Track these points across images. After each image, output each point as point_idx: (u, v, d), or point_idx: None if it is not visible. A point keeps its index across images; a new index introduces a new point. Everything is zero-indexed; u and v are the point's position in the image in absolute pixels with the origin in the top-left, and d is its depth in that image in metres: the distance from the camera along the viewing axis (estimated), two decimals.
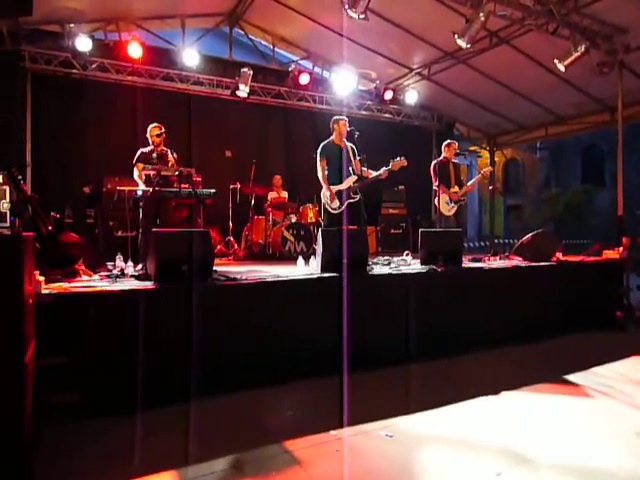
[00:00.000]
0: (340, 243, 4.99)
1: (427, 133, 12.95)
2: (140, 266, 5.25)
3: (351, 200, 6.58)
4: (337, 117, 6.80)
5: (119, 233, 8.09)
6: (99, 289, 3.94)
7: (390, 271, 5.42)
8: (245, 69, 9.60)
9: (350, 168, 6.66)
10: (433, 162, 7.91)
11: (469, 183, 8.08)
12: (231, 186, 9.35)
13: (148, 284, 4.22)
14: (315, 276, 4.96)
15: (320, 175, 6.66)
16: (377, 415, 3.65)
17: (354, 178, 6.59)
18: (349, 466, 2.95)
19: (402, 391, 4.34)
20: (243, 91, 9.85)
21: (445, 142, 8.06)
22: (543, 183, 29.45)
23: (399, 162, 6.59)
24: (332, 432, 3.38)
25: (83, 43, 8.32)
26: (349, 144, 6.69)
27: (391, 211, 11.48)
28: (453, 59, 9.70)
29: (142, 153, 6.46)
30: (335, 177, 6.62)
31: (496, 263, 6.67)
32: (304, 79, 10.16)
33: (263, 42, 11.07)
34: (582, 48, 7.44)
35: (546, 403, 4.02)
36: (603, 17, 7.39)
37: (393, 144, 10.02)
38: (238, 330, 4.26)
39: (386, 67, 10.68)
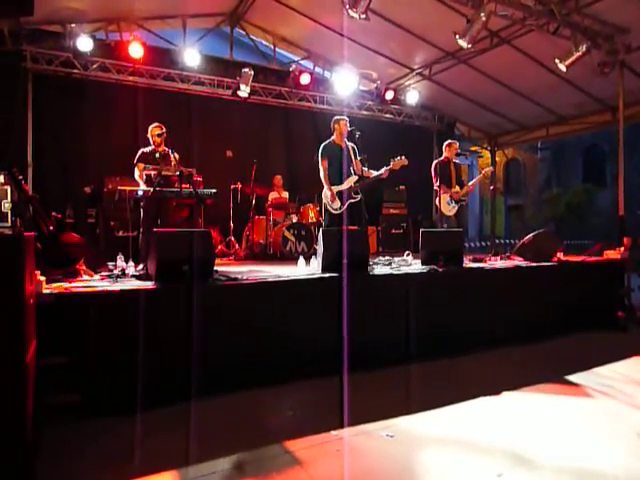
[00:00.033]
0: (341, 243, 4.99)
1: (428, 133, 12.96)
2: (141, 266, 5.25)
3: (352, 200, 6.57)
4: (338, 117, 6.79)
5: (120, 233, 8.10)
6: (100, 289, 3.94)
7: (391, 271, 5.41)
8: (246, 69, 9.61)
9: (351, 168, 6.65)
10: (434, 162, 7.91)
11: (470, 183, 8.08)
12: (232, 186, 9.35)
13: (149, 284, 4.22)
14: (316, 276, 4.95)
15: (322, 175, 6.66)
16: (378, 415, 3.64)
17: (355, 178, 6.59)
18: (350, 466, 2.95)
19: (403, 391, 4.34)
20: (244, 91, 9.85)
21: (446, 142, 8.06)
22: (544, 183, 29.44)
23: (400, 161, 6.58)
24: (333, 432, 3.38)
25: (84, 43, 8.33)
26: (350, 144, 6.69)
27: (392, 211, 11.49)
28: (454, 59, 9.70)
29: (143, 153, 6.46)
30: (336, 177, 6.62)
31: (497, 263, 6.67)
32: (305, 79, 10.17)
33: (264, 42, 11.07)
34: (583, 48, 7.44)
35: (547, 403, 4.01)
36: (604, 17, 7.39)
37: (394, 144, 10.02)
38: (239, 330, 4.26)
39: (387, 67, 10.68)
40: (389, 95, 11.05)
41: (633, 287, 7.36)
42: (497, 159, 15.03)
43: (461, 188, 7.81)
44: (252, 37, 10.68)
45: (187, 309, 3.97)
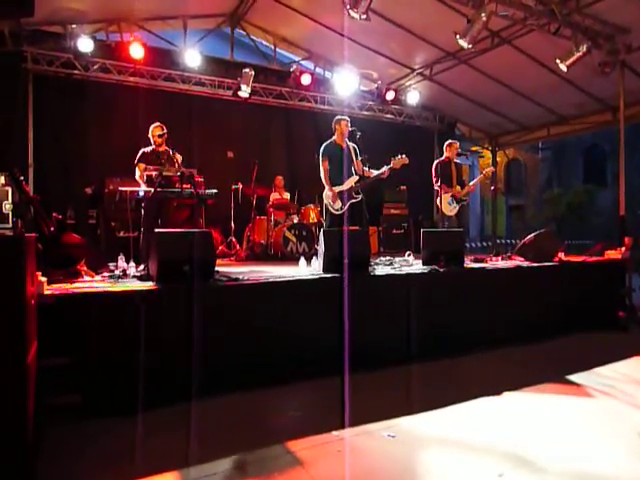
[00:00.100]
0: (342, 243, 4.99)
1: (429, 133, 12.95)
2: (142, 267, 5.26)
3: (353, 200, 6.57)
4: (339, 117, 6.79)
5: (121, 234, 8.10)
6: (101, 290, 3.95)
7: (392, 271, 5.42)
8: (247, 70, 9.61)
9: (352, 168, 6.65)
10: (435, 162, 7.91)
11: (471, 183, 8.09)
12: (233, 187, 9.35)
13: (150, 285, 4.22)
14: (317, 276, 4.96)
15: (323, 176, 6.66)
16: (379, 415, 3.64)
17: (356, 178, 6.58)
18: (351, 467, 2.95)
19: (404, 391, 4.34)
20: (245, 92, 9.85)
21: (447, 142, 8.06)
22: (545, 183, 29.42)
23: (400, 160, 6.57)
24: (334, 432, 3.38)
25: (85, 44, 8.33)
26: (351, 144, 6.68)
27: (393, 211, 11.49)
28: (455, 59, 9.70)
29: (144, 153, 6.47)
30: (337, 177, 6.62)
31: (498, 263, 6.67)
32: (306, 79, 10.16)
33: (264, 43, 11.07)
34: (584, 48, 7.44)
35: (548, 403, 4.01)
36: (605, 17, 7.38)
37: (395, 144, 9.96)
38: (239, 330, 4.27)
39: (388, 67, 10.67)
40: (390, 95, 11.04)
41: (634, 287, 7.35)
42: (498, 159, 15.01)
43: (462, 188, 7.81)
44: (253, 37, 10.68)
45: (188, 310, 3.97)
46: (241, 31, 10.48)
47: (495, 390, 4.23)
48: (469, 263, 6.34)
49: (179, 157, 6.36)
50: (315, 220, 9.11)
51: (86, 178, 8.85)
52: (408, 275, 5.36)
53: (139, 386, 3.58)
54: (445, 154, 7.91)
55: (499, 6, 7.18)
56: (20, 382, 2.57)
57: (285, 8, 9.22)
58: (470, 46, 7.52)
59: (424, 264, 5.81)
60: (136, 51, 8.68)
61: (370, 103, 11.73)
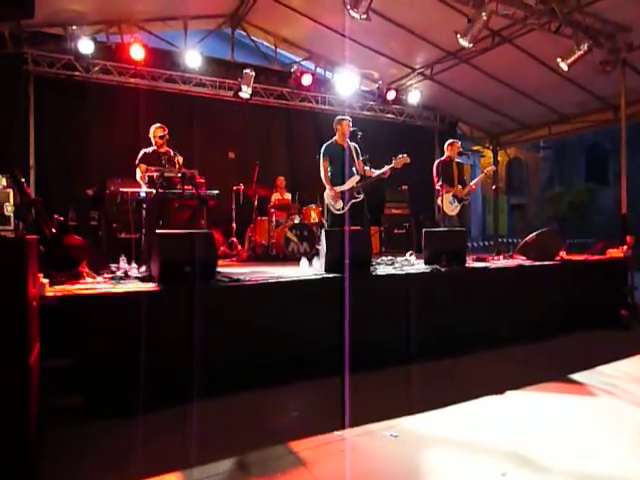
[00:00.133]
0: (343, 243, 4.99)
1: (430, 133, 12.94)
2: (144, 268, 5.26)
3: (354, 200, 6.57)
4: (340, 117, 6.79)
5: (122, 235, 8.10)
6: (103, 291, 3.95)
7: (394, 271, 5.41)
8: (247, 70, 9.62)
9: (353, 168, 6.65)
10: (436, 161, 7.91)
11: (472, 182, 8.07)
12: (234, 187, 9.36)
13: (152, 286, 4.22)
14: (319, 277, 4.96)
15: (323, 176, 6.66)
16: (381, 415, 3.64)
17: (357, 178, 6.58)
18: (354, 467, 2.95)
19: (406, 391, 4.33)
20: (245, 92, 9.86)
21: (448, 141, 8.05)
22: (547, 182, 29.42)
23: (402, 159, 6.57)
24: (336, 432, 3.38)
25: (85, 45, 8.33)
26: (352, 144, 6.68)
27: (394, 211, 11.48)
28: (455, 59, 9.68)
29: (145, 153, 6.48)
30: (338, 177, 6.62)
31: (500, 262, 6.67)
32: (306, 80, 10.16)
33: (265, 43, 11.07)
34: (585, 47, 7.43)
35: (551, 402, 4.01)
36: (605, 15, 7.37)
37: (396, 144, 9.97)
38: (241, 331, 4.27)
39: (388, 67, 10.67)
40: (391, 95, 11.02)
41: (636, 285, 7.34)
42: (499, 158, 14.98)
43: (463, 187, 7.80)
44: (253, 38, 10.67)
45: (190, 310, 3.97)
46: (242, 32, 10.47)
47: (497, 389, 4.23)
48: (471, 262, 6.34)
49: (180, 158, 6.37)
50: (316, 220, 9.11)
51: (87, 179, 8.87)
52: (410, 275, 5.35)
53: (141, 387, 3.58)
54: (446, 153, 7.90)
55: (500, 5, 7.17)
56: (23, 383, 2.58)
57: (285, 8, 9.22)
58: (471, 45, 7.52)
59: (426, 264, 5.81)
60: (137, 52, 8.69)
61: (371, 103, 11.73)
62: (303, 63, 11.03)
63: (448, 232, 6.66)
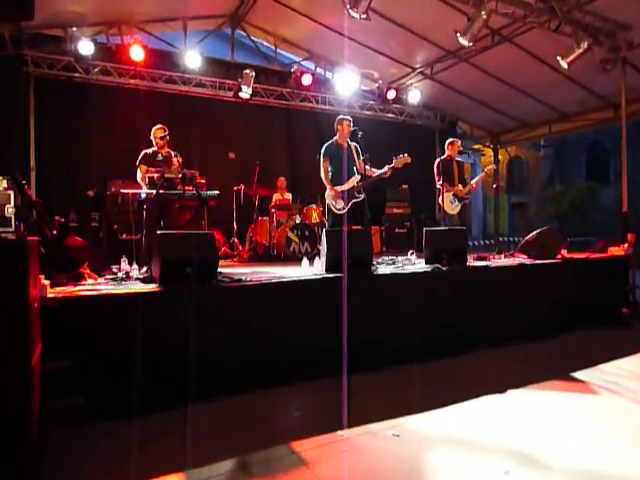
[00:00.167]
0: (344, 243, 4.99)
1: (430, 132, 12.93)
2: (145, 269, 5.26)
3: (355, 200, 6.58)
4: (341, 117, 6.78)
5: (123, 236, 8.11)
6: (104, 292, 3.96)
7: (395, 270, 5.42)
8: (247, 70, 9.62)
9: (354, 168, 6.65)
10: (436, 160, 7.89)
11: (473, 181, 8.06)
12: (235, 188, 9.35)
13: (153, 287, 4.22)
14: (320, 276, 4.96)
15: (323, 176, 6.66)
16: (383, 415, 3.65)
17: (358, 178, 6.58)
18: (356, 466, 2.95)
19: (408, 390, 4.32)
20: (246, 92, 9.86)
21: (448, 140, 8.04)
22: (547, 181, 29.41)
23: (402, 159, 6.56)
24: (339, 432, 3.38)
25: (85, 47, 8.33)
26: (352, 144, 6.68)
27: (395, 210, 11.48)
28: (455, 58, 9.68)
29: (145, 154, 6.48)
30: (339, 177, 6.62)
31: (501, 261, 6.66)
32: (306, 80, 10.16)
33: (265, 43, 11.06)
34: (585, 45, 7.42)
35: (552, 401, 4.01)
36: (605, 14, 7.36)
37: (396, 144, 9.97)
38: (243, 332, 4.27)
39: (388, 67, 10.67)
40: (391, 95, 11.01)
41: (637, 283, 7.34)
42: (500, 157, 14.99)
43: (464, 186, 7.80)
44: (253, 38, 10.67)
45: (191, 311, 3.97)
46: (241, 32, 10.47)
47: (499, 388, 4.23)
48: (472, 261, 6.33)
49: (179, 159, 6.36)
50: (317, 220, 9.11)
51: (88, 181, 8.88)
52: (411, 274, 5.36)
53: (142, 389, 3.58)
54: (446, 152, 7.89)
55: (499, 4, 7.16)
56: (24, 385, 2.58)
57: (285, 8, 9.22)
58: (471, 44, 7.52)
59: (427, 263, 5.81)
60: (136, 53, 8.69)
61: (371, 103, 11.73)
62: (303, 63, 11.03)
63: (449, 231, 6.65)
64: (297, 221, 8.92)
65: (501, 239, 17.50)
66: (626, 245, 7.36)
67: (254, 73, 9.69)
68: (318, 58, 10.99)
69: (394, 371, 4.68)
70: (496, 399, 4.06)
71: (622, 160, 8.34)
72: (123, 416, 3.52)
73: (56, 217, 4.90)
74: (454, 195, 7.69)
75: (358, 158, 6.64)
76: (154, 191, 5.95)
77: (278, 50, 10.94)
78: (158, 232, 4.61)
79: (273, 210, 9.17)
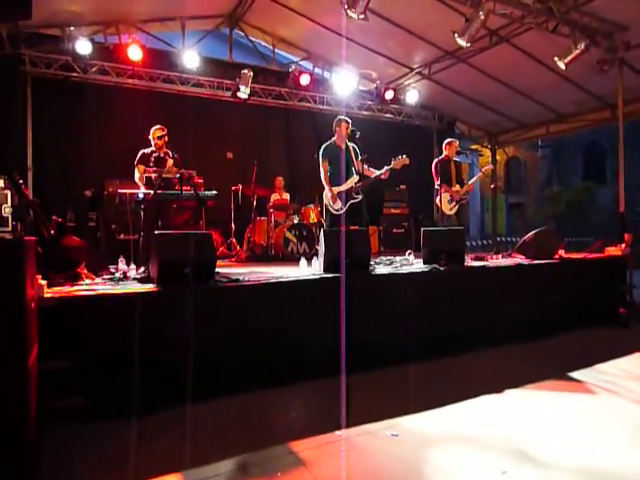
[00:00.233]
0: (342, 243, 4.99)
1: (428, 132, 12.95)
2: (142, 269, 5.26)
3: (353, 201, 6.57)
4: (340, 118, 6.76)
5: (121, 236, 8.10)
6: (101, 292, 3.95)
7: (393, 271, 5.42)
8: (245, 70, 9.61)
9: (352, 169, 6.65)
10: (434, 161, 7.90)
11: (470, 181, 8.06)
12: (233, 188, 9.34)
13: (150, 287, 4.22)
14: (318, 277, 4.96)
15: (323, 176, 6.65)
16: (382, 415, 3.64)
17: (356, 178, 6.58)
18: (354, 466, 2.95)
19: (406, 390, 4.33)
20: (244, 92, 9.85)
21: (446, 141, 8.05)
22: (545, 181, 29.46)
23: (401, 160, 6.55)
24: (337, 432, 3.38)
25: (83, 46, 8.32)
26: (351, 144, 6.68)
27: (393, 211, 11.49)
28: (453, 58, 9.69)
29: (143, 154, 6.47)
30: (337, 178, 6.62)
31: (499, 261, 6.67)
32: (305, 80, 10.16)
33: (263, 43, 11.05)
34: (582, 46, 7.44)
35: (550, 400, 4.01)
36: (602, 14, 7.38)
37: (394, 144, 9.99)
38: (240, 332, 4.27)
39: (386, 67, 10.67)
40: (389, 95, 11.02)
41: (635, 283, 7.37)
42: (497, 157, 15.00)
43: (461, 187, 7.80)
44: (251, 38, 10.67)
45: (189, 311, 3.97)
46: (240, 32, 10.46)
47: (497, 388, 4.23)
48: (469, 261, 6.34)
49: (177, 159, 6.36)
50: (315, 220, 9.11)
51: (85, 181, 8.86)
52: (409, 274, 5.36)
53: (140, 388, 3.57)
54: (444, 153, 7.90)
55: (497, 4, 7.17)
56: (21, 385, 2.57)
57: (283, 8, 9.21)
58: (468, 45, 7.52)
59: (425, 263, 5.82)
60: (134, 53, 8.68)
61: (369, 103, 11.73)
62: (301, 63, 11.05)
63: (447, 231, 6.65)
64: (295, 221, 8.92)
65: (499, 239, 17.54)
66: (623, 245, 7.37)
67: (252, 73, 9.68)
68: (316, 58, 10.99)
69: (392, 371, 4.68)
70: (494, 399, 4.06)
71: (619, 160, 8.37)
72: (121, 416, 3.52)
73: (53, 217, 4.88)
74: (452, 195, 7.69)
75: (356, 159, 6.63)
76: (152, 191, 5.94)
77: (276, 50, 10.93)
78: (156, 232, 4.61)
79: (271, 210, 9.17)
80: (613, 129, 9.96)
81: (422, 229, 6.15)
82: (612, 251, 7.43)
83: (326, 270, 5.10)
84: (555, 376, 4.57)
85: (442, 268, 5.58)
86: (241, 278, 4.62)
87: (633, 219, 8.98)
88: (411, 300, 5.08)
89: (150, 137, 6.57)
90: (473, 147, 14.43)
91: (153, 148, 6.53)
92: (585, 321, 6.37)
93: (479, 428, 3.47)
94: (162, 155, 6.45)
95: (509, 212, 30.55)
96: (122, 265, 5.31)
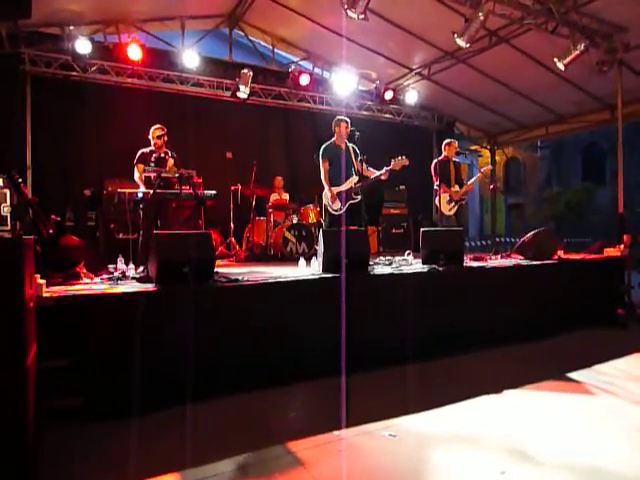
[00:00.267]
0: (341, 243, 4.99)
1: (427, 133, 12.95)
2: (141, 268, 5.26)
3: (352, 201, 6.57)
4: (339, 118, 6.76)
5: (120, 235, 8.10)
6: (100, 292, 3.95)
7: (391, 271, 5.42)
8: (245, 70, 9.60)
9: (352, 169, 6.65)
10: (434, 161, 7.90)
11: (469, 182, 8.07)
12: (232, 188, 9.34)
13: (149, 286, 4.22)
14: (317, 277, 4.96)
15: (323, 176, 6.65)
16: (380, 415, 3.65)
17: (356, 179, 6.58)
18: (352, 466, 2.95)
19: (404, 391, 4.33)
20: (243, 92, 9.84)
21: (445, 141, 8.05)
22: (544, 182, 29.48)
23: (400, 161, 6.55)
24: (335, 432, 3.38)
25: (83, 45, 8.31)
26: (350, 145, 6.68)
27: (392, 211, 11.48)
28: (453, 59, 9.69)
29: (142, 154, 6.46)
30: (337, 178, 6.62)
31: (497, 262, 6.67)
32: (304, 80, 10.16)
33: (263, 43, 11.04)
34: (581, 47, 7.44)
35: (548, 401, 4.02)
36: (602, 16, 7.39)
37: (394, 144, 10.01)
38: (239, 332, 4.27)
39: (386, 67, 10.67)
40: (388, 95, 11.02)
41: (633, 284, 7.39)
42: (497, 158, 15.02)
43: (460, 187, 7.80)
44: (251, 38, 10.66)
45: (188, 311, 3.97)
46: (239, 32, 10.45)
47: (495, 388, 4.24)
48: (468, 262, 6.34)
49: (176, 159, 6.35)
50: (314, 220, 9.11)
51: (85, 180, 8.85)
52: (408, 274, 5.36)
53: (139, 388, 3.57)
54: (444, 153, 7.91)
55: (497, 5, 7.17)
56: (19, 384, 2.57)
57: (283, 8, 9.21)
58: (468, 45, 7.52)
59: (424, 263, 5.82)
60: (134, 52, 8.67)
61: (369, 103, 11.73)
62: (301, 63, 11.05)
63: (446, 232, 6.66)
64: (294, 221, 8.92)
65: (498, 240, 17.53)
66: (622, 246, 7.38)
67: (252, 73, 9.67)
68: (316, 58, 10.99)
69: (391, 371, 4.68)
70: (493, 399, 4.07)
71: (618, 161, 8.38)
72: (121, 416, 3.52)
73: (52, 216, 4.88)
74: (451, 196, 7.69)
75: (356, 159, 6.63)
76: (151, 190, 5.94)
77: (276, 50, 10.92)
78: (155, 232, 4.61)
79: (270, 210, 9.17)
80: (612, 130, 9.95)
81: (421, 229, 6.15)
82: (611, 252, 7.44)
83: (325, 270, 5.10)
84: (554, 377, 4.57)
85: (441, 268, 5.58)
86: (240, 278, 4.62)
87: (632, 220, 8.99)
88: (410, 300, 5.08)
89: (150, 137, 6.56)
90: (472, 148, 14.44)
91: (152, 148, 6.52)
92: (584, 322, 6.37)
93: (478, 428, 3.48)
94: (162, 155, 6.44)
95: (508, 213, 30.58)
96: (121, 264, 5.31)
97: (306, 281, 4.83)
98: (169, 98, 9.82)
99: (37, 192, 7.96)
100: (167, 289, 4.10)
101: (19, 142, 8.46)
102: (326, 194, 6.64)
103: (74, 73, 8.91)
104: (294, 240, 8.66)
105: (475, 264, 6.26)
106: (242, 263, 8.26)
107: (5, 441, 2.51)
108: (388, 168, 6.52)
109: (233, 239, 9.35)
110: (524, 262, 6.55)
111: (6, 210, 4.76)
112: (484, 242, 22.00)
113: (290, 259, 8.12)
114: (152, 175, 6.10)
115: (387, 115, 12.13)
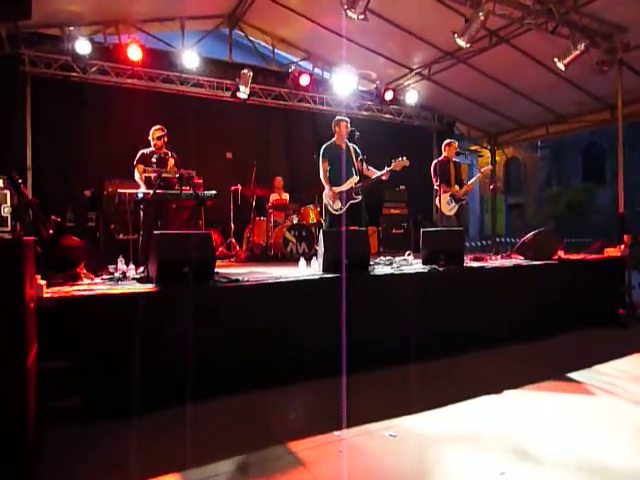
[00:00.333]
0: (342, 244, 4.99)
1: (427, 133, 12.95)
2: (142, 269, 5.25)
3: (353, 201, 6.57)
4: (339, 118, 6.78)
5: (120, 236, 8.10)
6: (101, 292, 3.95)
7: (392, 271, 5.42)
8: (245, 70, 9.60)
9: (352, 169, 6.65)
10: (434, 161, 7.91)
11: (469, 182, 8.07)
12: (232, 188, 9.34)
13: (150, 287, 4.22)
14: (317, 277, 4.96)
15: (322, 176, 6.65)
16: (380, 415, 3.64)
17: (356, 179, 6.58)
18: (353, 466, 2.94)
19: (405, 391, 4.33)
20: (243, 93, 9.84)
21: (445, 141, 8.06)
22: (544, 182, 29.47)
23: (401, 162, 6.56)
24: (335, 433, 3.38)
25: (83, 46, 8.31)
26: (351, 145, 6.69)
27: (392, 211, 11.48)
28: (453, 59, 9.69)
29: (142, 154, 6.47)
30: (337, 178, 6.62)
31: (498, 262, 6.67)
32: (304, 80, 10.16)
33: (263, 43, 11.04)
34: (582, 47, 7.44)
35: (549, 401, 4.01)
36: (602, 16, 7.39)
37: (394, 144, 10.01)
38: (239, 332, 4.26)
39: (386, 67, 10.67)
40: (388, 95, 11.02)
41: (634, 284, 7.38)
42: (497, 158, 15.01)
43: (460, 187, 7.81)
44: (251, 38, 10.67)
45: (188, 311, 3.97)
46: (239, 32, 10.46)
47: (496, 388, 4.23)
48: (469, 262, 6.34)
49: (176, 159, 6.35)
50: (315, 220, 9.11)
51: (85, 180, 8.84)
52: (408, 275, 5.36)
53: (139, 388, 3.57)
54: (444, 153, 7.91)
55: (497, 5, 7.18)
56: (20, 385, 2.57)
57: (283, 9, 9.22)
58: (468, 45, 7.52)
59: (424, 263, 5.82)
60: (134, 53, 8.67)
61: (369, 103, 11.73)
62: (301, 63, 11.05)
63: (446, 232, 6.66)
64: (294, 221, 8.92)
65: (498, 240, 17.53)
66: (622, 246, 7.38)
67: (252, 73, 9.67)
68: (316, 58, 10.99)
69: (391, 371, 4.68)
70: (493, 399, 4.06)
71: (618, 161, 8.38)
72: (121, 416, 3.52)
73: (52, 217, 4.88)
74: (451, 196, 7.69)
75: (356, 159, 6.64)
76: (151, 191, 5.94)
77: (276, 50, 10.92)
78: (155, 232, 4.61)
79: (270, 210, 9.17)
80: (612, 130, 9.96)
81: (421, 230, 6.15)
82: (611, 252, 7.44)
83: (325, 270, 5.10)
84: (554, 377, 4.57)
85: (441, 269, 5.58)
86: (240, 278, 4.62)
87: (632, 220, 8.98)
88: (410, 300, 5.08)
89: (150, 137, 6.56)
90: (472, 148, 14.44)
91: (153, 148, 6.52)
92: (584, 322, 6.37)
93: (478, 428, 3.48)
94: (162, 155, 6.44)
95: (508, 213, 30.57)
96: (121, 265, 5.30)
97: (306, 281, 4.83)
98: (169, 99, 9.83)
99: (37, 193, 7.98)
100: (167, 289, 4.10)
101: (19, 143, 8.46)
102: (326, 194, 6.65)
103: (74, 74, 8.92)
104: (294, 240, 8.66)
105: (475, 264, 6.26)
106: (242, 263, 8.26)
107: (6, 441, 2.51)
108: (389, 169, 6.53)
109: (233, 239, 9.35)
110: (524, 262, 6.55)
111: (6, 211, 4.76)
112: (484, 242, 22.00)
113: (290, 259, 8.12)
114: (152, 175, 6.11)
115: (387, 115, 12.13)
